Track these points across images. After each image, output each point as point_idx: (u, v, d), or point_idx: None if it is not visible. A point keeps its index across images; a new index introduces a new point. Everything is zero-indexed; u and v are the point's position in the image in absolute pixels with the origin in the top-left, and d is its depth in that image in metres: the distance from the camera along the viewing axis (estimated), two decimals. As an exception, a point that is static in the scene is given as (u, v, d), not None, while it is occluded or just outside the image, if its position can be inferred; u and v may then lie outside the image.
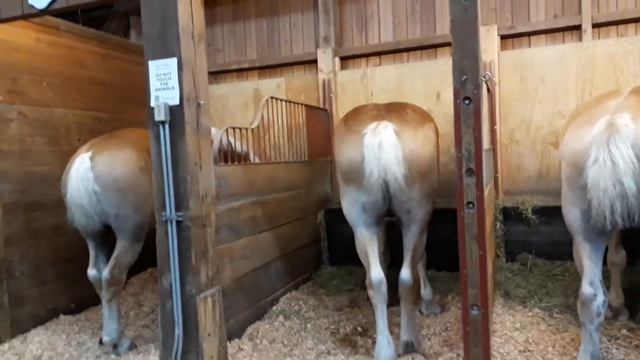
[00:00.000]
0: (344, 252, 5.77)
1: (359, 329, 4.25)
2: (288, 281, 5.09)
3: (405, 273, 3.63)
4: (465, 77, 2.71)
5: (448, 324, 4.13)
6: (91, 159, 3.98)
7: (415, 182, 3.48)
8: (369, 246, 3.62)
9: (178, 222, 3.34)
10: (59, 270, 5.01)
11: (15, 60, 4.70)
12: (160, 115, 3.30)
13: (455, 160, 2.80)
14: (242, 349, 3.90)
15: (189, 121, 3.35)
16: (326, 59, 6.38)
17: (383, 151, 3.33)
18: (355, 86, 6.31)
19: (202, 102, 3.47)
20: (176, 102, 3.31)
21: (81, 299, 5.11)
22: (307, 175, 5.64)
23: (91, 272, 4.16)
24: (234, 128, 4.30)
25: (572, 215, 3.04)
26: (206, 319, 3.42)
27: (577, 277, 4.54)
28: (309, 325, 4.36)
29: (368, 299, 4.90)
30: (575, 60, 5.43)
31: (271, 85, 6.76)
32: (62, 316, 4.93)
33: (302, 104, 5.64)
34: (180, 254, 3.35)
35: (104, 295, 4.08)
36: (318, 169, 5.98)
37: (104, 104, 5.53)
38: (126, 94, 5.82)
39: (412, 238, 3.68)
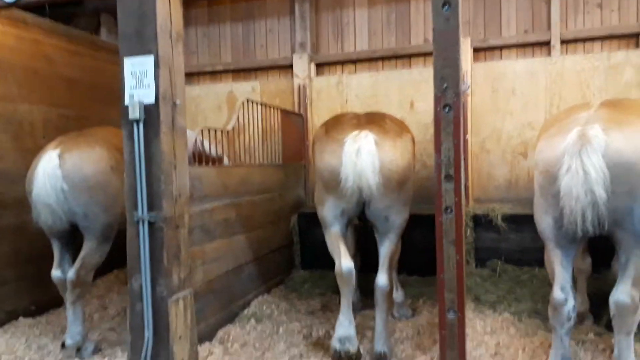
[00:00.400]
0: (316, 257, 5.77)
1: (332, 332, 4.21)
2: (260, 284, 5.04)
3: (381, 279, 3.71)
4: (446, 85, 2.75)
5: (420, 328, 4.16)
6: (60, 156, 3.85)
7: (394, 190, 3.63)
8: (340, 241, 3.78)
9: (150, 223, 3.26)
10: (19, 271, 4.82)
11: (-21, 52, 4.52)
12: (134, 114, 3.22)
13: (435, 166, 2.83)
14: (212, 353, 3.83)
15: (164, 120, 3.29)
16: (302, 65, 6.39)
17: (360, 158, 3.43)
18: (331, 92, 6.34)
19: (178, 101, 3.41)
20: (151, 100, 3.24)
21: (42, 301, 4.92)
22: (281, 178, 5.61)
23: (55, 273, 4.01)
24: (209, 129, 4.24)
25: (544, 222, 3.12)
26: (177, 322, 3.35)
27: (544, 283, 4.68)
28: (281, 329, 4.31)
29: (339, 302, 4.95)
30: (545, 74, 5.61)
31: (246, 88, 6.72)
32: (21, 319, 4.73)
33: (277, 108, 5.62)
34: (152, 255, 3.27)
35: (68, 296, 3.93)
36: (292, 172, 5.96)
37: (71, 101, 5.37)
38: (95, 92, 5.67)
39: (388, 245, 3.80)
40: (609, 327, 3.89)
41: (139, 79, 3.28)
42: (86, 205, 3.88)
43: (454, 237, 2.82)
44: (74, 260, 4.03)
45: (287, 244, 5.69)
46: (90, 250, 3.96)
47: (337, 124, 3.94)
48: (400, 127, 4.01)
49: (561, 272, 3.03)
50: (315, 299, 5.09)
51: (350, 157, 3.44)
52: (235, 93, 6.75)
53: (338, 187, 3.52)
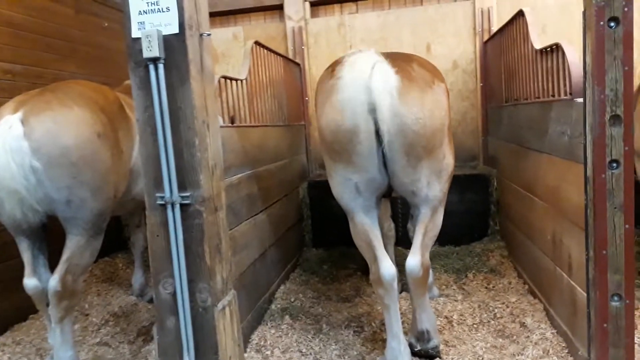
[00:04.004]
0: (330, 232, 4.98)
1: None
2: (280, 271, 4.19)
3: (413, 262, 2.79)
4: (613, -11, 1.98)
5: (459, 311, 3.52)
6: (23, 122, 2.75)
7: (420, 159, 2.64)
8: (371, 235, 2.79)
9: (183, 206, 2.32)
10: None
11: None
12: (151, 50, 2.22)
13: (596, 104, 2.08)
14: (255, 367, 3.00)
15: (194, 59, 2.31)
16: (295, 4, 5.39)
17: (373, 79, 2.48)
18: (331, 36, 5.41)
19: (206, 32, 2.42)
20: (174, 29, 2.26)
21: (4, 315, 3.80)
22: (289, 142, 4.71)
23: (30, 282, 2.94)
24: (227, 78, 3.25)
25: None
26: (226, 338, 2.47)
27: None
28: (324, 325, 3.52)
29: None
30: None
31: (226, 35, 5.64)
32: (-23, 342, 3.62)
33: (280, 55, 4.64)
34: (188, 251, 2.35)
35: (53, 312, 2.90)
36: (297, 135, 5.06)
37: (17, 53, 4.10)
38: (48, 41, 4.41)
39: (422, 220, 2.83)
40: None
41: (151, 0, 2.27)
42: (69, 189, 2.82)
43: (622, 201, 2.11)
44: (52, 263, 2.99)
45: (298, 219, 4.84)
46: (78, 248, 2.92)
47: (345, 65, 2.71)
48: (432, 74, 2.91)
49: None
50: (343, 282, 4.33)
51: (363, 89, 2.48)
52: (213, 41, 5.63)
53: (346, 148, 2.59)
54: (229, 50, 5.67)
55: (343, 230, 4.83)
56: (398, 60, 2.71)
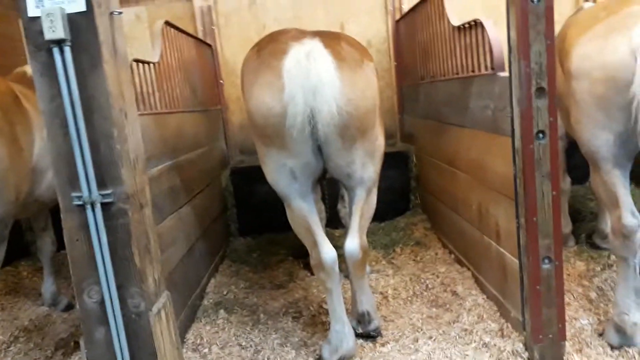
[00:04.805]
0: (256, 220, 4.87)
1: (324, 305, 3.47)
2: (209, 264, 4.01)
3: (352, 244, 2.74)
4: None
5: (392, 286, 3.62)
6: None
7: (354, 140, 2.59)
8: (310, 219, 2.72)
9: (105, 205, 2.09)
10: None
11: None
12: (54, 30, 1.95)
13: (522, 77, 2.16)
14: (193, 366, 2.84)
15: (105, 40, 2.07)
16: (201, -17, 5.10)
17: (312, 64, 2.38)
18: (243, 16, 5.20)
19: (117, 10, 2.18)
20: (80, 7, 2.00)
21: None
22: (207, 128, 4.48)
23: None
24: (138, 61, 2.98)
25: (599, 140, 2.67)
26: (164, 344, 2.30)
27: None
28: (261, 315, 3.43)
29: (305, 267, 4.19)
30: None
31: (128, 16, 5.18)
32: None
33: (192, 36, 4.37)
34: (114, 254, 2.13)
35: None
36: (214, 120, 4.84)
37: None
38: None
39: (357, 202, 2.79)
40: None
41: (49, -27, 1.99)
42: (-40, 194, 2.46)
43: (549, 169, 2.22)
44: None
45: (222, 208, 4.66)
46: (-23, 260, 2.58)
47: (274, 43, 2.71)
48: (360, 53, 2.86)
49: (626, 194, 2.65)
50: (275, 269, 4.25)
51: (295, 67, 2.38)
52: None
53: (279, 133, 2.48)
54: (132, 32, 5.25)
55: (269, 217, 4.79)
56: (328, 39, 2.63)
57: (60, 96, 2.02)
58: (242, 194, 4.82)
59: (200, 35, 5.08)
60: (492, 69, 2.84)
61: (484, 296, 3.23)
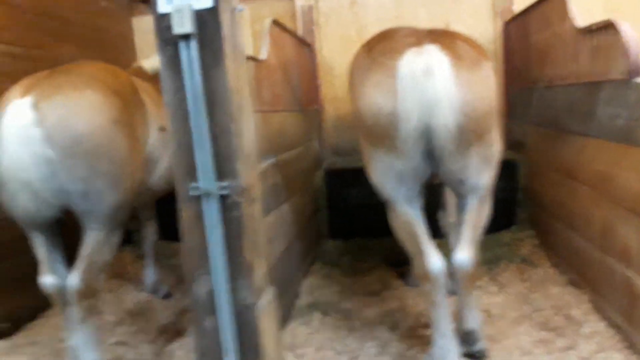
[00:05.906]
0: (346, 222, 4.81)
1: (422, 318, 3.32)
2: (303, 264, 4.00)
3: (462, 255, 2.57)
4: None
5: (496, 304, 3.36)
6: (34, 107, 2.52)
7: (470, 145, 2.42)
8: (415, 226, 2.59)
9: (222, 198, 2.12)
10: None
11: None
12: (182, 25, 2.01)
13: None
14: (288, 367, 2.81)
15: (228, 36, 2.10)
16: (304, -18, 5.15)
17: (430, 81, 2.28)
18: (343, 16, 5.18)
19: (239, 7, 2.21)
20: (208, 3, 2.04)
21: (14, 314, 3.58)
22: (305, 128, 4.50)
23: (47, 279, 2.72)
24: (251, 59, 3.03)
25: None
26: (269, 339, 2.29)
27: None
28: (356, 321, 3.34)
29: (400, 277, 4.05)
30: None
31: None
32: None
33: (294, 35, 4.40)
34: (225, 246, 2.16)
35: (75, 313, 2.70)
36: (311, 120, 4.85)
37: (16, 34, 3.83)
38: (46, 22, 4.14)
39: (469, 211, 2.63)
40: None
41: (180, -30, 2.05)
42: (85, 180, 2.59)
43: None
44: (69, 258, 2.78)
45: (315, 209, 4.65)
46: (97, 244, 2.71)
47: (386, 42, 2.63)
48: (478, 52, 2.66)
49: None
50: (368, 275, 4.14)
51: (411, 80, 2.30)
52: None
53: (388, 135, 2.39)
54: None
55: (361, 221, 4.72)
56: (444, 39, 2.51)
57: (184, 89, 2.07)
58: (335, 195, 4.78)
59: (300, 34, 5.13)
60: (628, 74, 2.56)
61: (605, 323, 2.91)
